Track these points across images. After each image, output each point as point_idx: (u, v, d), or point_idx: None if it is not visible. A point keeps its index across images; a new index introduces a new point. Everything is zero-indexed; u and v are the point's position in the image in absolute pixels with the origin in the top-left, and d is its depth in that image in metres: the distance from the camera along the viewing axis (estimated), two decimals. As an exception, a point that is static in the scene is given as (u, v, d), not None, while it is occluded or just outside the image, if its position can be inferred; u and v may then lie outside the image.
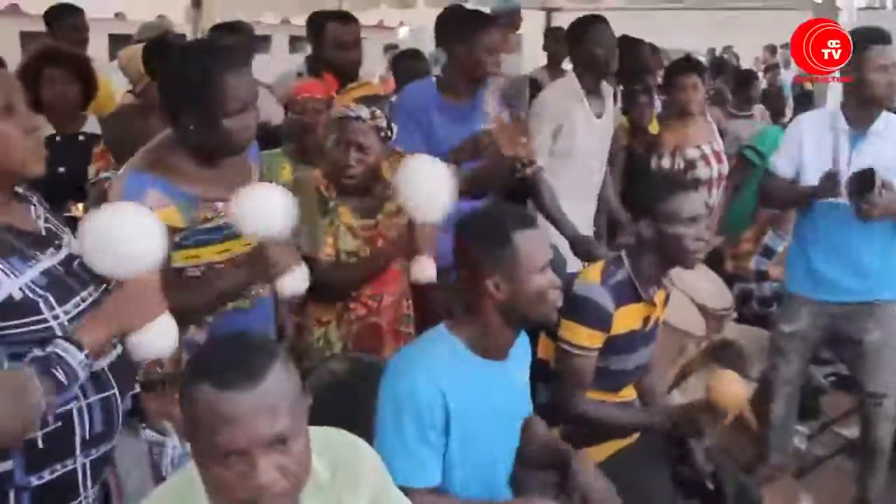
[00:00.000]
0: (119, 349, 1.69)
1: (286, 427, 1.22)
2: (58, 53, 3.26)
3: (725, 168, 3.98)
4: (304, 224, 2.29)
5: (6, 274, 1.49)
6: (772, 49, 12.24)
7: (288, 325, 2.57)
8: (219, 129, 1.94)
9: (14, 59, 3.87)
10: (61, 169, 2.98)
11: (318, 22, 3.49)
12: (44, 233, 1.64)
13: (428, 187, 2.25)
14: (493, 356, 1.92)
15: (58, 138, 3.16)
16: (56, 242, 1.63)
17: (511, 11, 5.05)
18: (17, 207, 1.63)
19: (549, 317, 1.92)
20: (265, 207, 1.89)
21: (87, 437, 1.62)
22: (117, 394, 1.68)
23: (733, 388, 2.20)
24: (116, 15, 7.92)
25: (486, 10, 4.10)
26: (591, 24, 3.35)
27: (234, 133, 1.96)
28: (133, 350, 1.64)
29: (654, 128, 4.23)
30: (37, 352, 1.48)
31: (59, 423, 1.57)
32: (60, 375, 1.47)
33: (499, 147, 2.75)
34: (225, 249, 2.04)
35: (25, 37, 7.00)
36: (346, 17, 3.45)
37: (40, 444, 1.55)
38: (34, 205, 1.67)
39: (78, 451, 1.61)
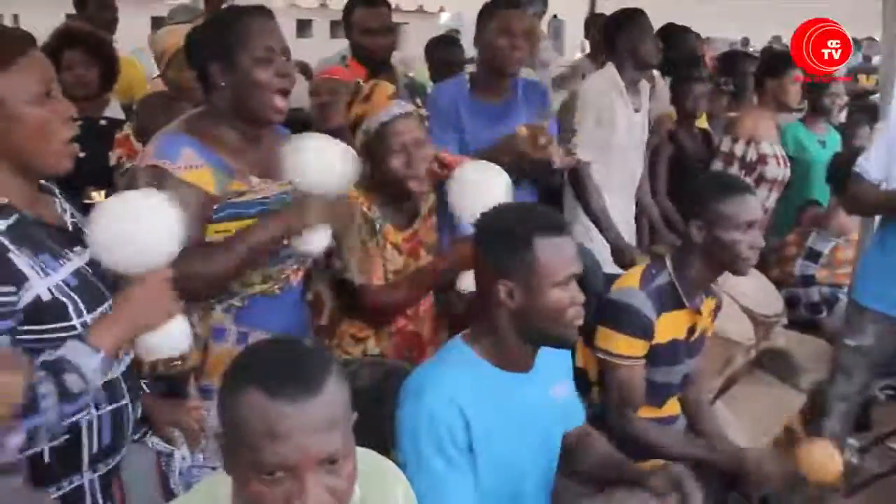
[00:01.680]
0: (130, 355, 1.59)
1: (340, 445, 1.12)
2: (77, 35, 3.15)
3: (788, 173, 3.79)
4: (353, 251, 2.17)
5: (37, 272, 1.39)
6: None
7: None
8: (248, 78, 1.86)
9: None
10: (81, 154, 2.87)
11: (347, 7, 3.36)
12: (70, 228, 1.55)
13: (483, 198, 2.08)
14: (514, 368, 1.76)
15: (78, 122, 3.05)
16: (83, 239, 1.53)
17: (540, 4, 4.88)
18: (44, 200, 1.54)
19: (567, 337, 1.73)
20: (325, 160, 1.83)
21: (96, 450, 1.52)
22: (129, 403, 1.58)
23: (828, 465, 2.01)
24: (154, -4, 7.89)
25: None
26: (631, 18, 3.23)
27: (266, 83, 1.87)
28: (145, 351, 1.52)
29: (701, 122, 4.03)
30: (47, 354, 1.37)
31: (68, 436, 1.46)
32: (71, 383, 1.35)
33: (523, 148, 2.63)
34: None
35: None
36: (373, 1, 3.31)
37: (46, 459, 1.45)
38: (58, 198, 1.59)
39: (85, 466, 1.52)
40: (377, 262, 2.24)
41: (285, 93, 1.92)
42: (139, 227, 1.45)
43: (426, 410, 1.64)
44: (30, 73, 1.44)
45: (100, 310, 1.48)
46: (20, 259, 1.39)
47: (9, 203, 1.44)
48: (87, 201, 2.90)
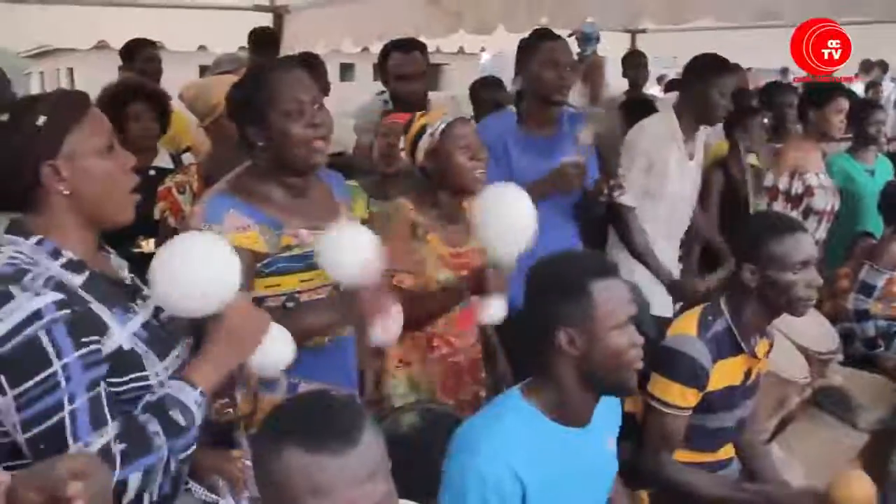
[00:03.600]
0: None
1: (383, 496, 1.10)
2: (141, 89, 3.24)
3: (838, 203, 3.70)
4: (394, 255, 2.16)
5: (117, 322, 1.44)
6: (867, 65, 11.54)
7: (368, 374, 2.42)
8: (282, 134, 1.87)
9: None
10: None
11: (382, 53, 3.40)
12: (128, 282, 1.59)
13: (506, 220, 2.10)
14: (574, 423, 1.71)
15: (130, 172, 3.13)
16: (142, 293, 1.57)
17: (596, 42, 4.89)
18: (102, 256, 1.59)
19: (627, 381, 1.68)
20: (349, 255, 1.77)
21: (154, 499, 1.50)
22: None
23: (862, 492, 1.93)
24: (200, 47, 8.01)
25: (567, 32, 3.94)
26: (719, 71, 3.00)
27: (301, 137, 1.88)
28: (257, 369, 1.60)
29: (752, 159, 3.97)
30: (148, 397, 1.42)
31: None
32: (177, 417, 1.39)
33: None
34: (307, 279, 1.93)
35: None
36: (407, 47, 3.33)
37: None
38: (112, 253, 1.63)
39: None
40: (410, 261, 2.26)
41: (322, 138, 1.92)
42: (197, 269, 1.46)
43: (476, 471, 1.59)
44: (95, 127, 1.49)
45: (169, 357, 1.52)
46: (101, 310, 1.44)
47: (81, 259, 1.48)
48: (136, 249, 2.97)
